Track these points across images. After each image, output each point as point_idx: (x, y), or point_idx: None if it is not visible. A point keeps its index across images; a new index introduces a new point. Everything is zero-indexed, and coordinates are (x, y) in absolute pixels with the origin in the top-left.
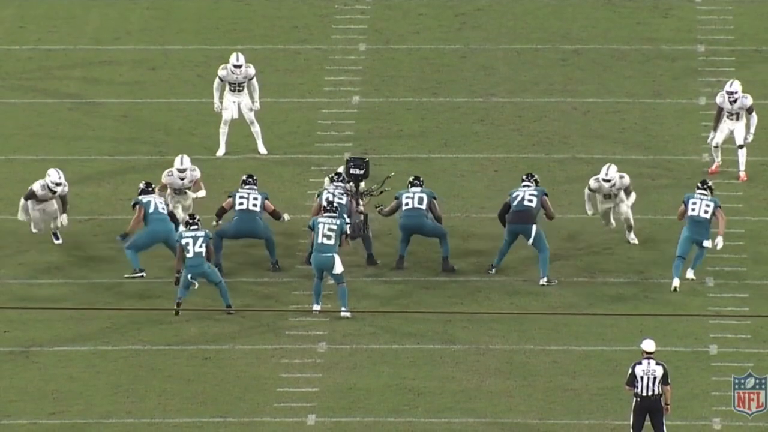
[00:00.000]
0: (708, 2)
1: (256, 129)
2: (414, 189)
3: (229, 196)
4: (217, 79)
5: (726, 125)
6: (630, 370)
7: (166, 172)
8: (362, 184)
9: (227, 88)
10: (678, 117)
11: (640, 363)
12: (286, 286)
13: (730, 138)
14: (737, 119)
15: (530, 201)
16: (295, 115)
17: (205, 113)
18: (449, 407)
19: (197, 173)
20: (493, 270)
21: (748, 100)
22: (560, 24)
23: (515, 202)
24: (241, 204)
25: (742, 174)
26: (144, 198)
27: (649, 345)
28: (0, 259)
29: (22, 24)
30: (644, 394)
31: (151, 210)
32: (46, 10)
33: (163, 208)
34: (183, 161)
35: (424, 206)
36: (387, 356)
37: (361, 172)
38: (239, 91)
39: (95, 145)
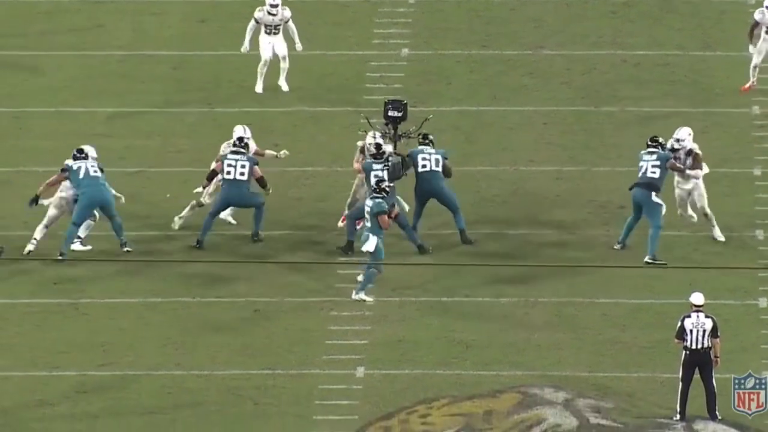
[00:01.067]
0: None
1: (285, 65)
2: (428, 149)
3: (217, 160)
4: (252, 21)
5: (765, 44)
6: (679, 323)
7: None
8: (400, 127)
9: (263, 30)
10: (728, 69)
11: (689, 316)
12: (335, 240)
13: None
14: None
15: (653, 172)
16: (343, 68)
17: (255, 65)
18: (498, 360)
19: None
20: (619, 246)
21: None
22: None
23: (640, 173)
24: (228, 173)
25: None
26: (74, 164)
27: (698, 298)
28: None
29: None
30: (693, 347)
31: (81, 176)
32: None
33: (96, 171)
34: None
35: (440, 168)
36: (436, 309)
37: (400, 114)
38: (275, 33)
39: (145, 98)
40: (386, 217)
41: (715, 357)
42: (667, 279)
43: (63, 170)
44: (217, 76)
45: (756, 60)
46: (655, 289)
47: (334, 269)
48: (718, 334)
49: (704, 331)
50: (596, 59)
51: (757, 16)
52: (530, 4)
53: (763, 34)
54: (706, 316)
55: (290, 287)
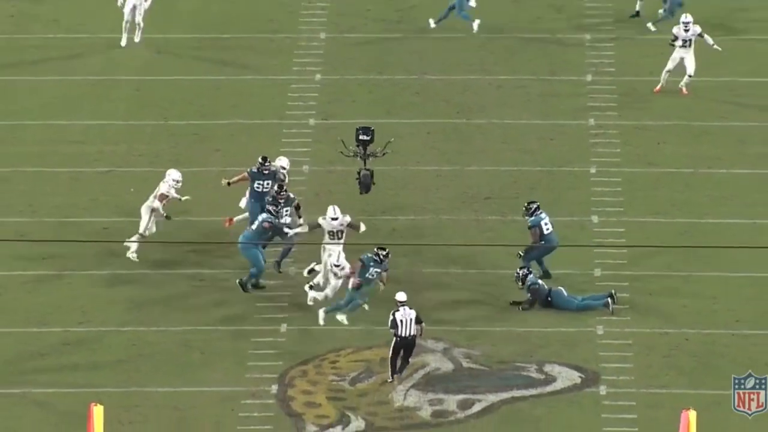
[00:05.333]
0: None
1: (139, 20)
2: (545, 215)
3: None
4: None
5: (678, 53)
6: (391, 317)
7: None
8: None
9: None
10: (569, 90)
11: (397, 310)
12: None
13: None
14: (689, 46)
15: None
16: (270, 90)
17: (200, 87)
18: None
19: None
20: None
21: (698, 28)
22: (475, 17)
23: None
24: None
25: (684, 89)
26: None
27: (401, 296)
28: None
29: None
30: (404, 335)
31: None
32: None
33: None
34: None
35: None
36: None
37: (368, 138)
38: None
39: (113, 113)
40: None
41: (420, 335)
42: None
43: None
44: (171, 96)
45: (669, 66)
46: (516, 263)
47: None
48: (421, 320)
49: (411, 320)
50: (468, 82)
51: (674, 30)
52: (415, 38)
53: (678, 47)
54: (410, 308)
55: (229, 263)
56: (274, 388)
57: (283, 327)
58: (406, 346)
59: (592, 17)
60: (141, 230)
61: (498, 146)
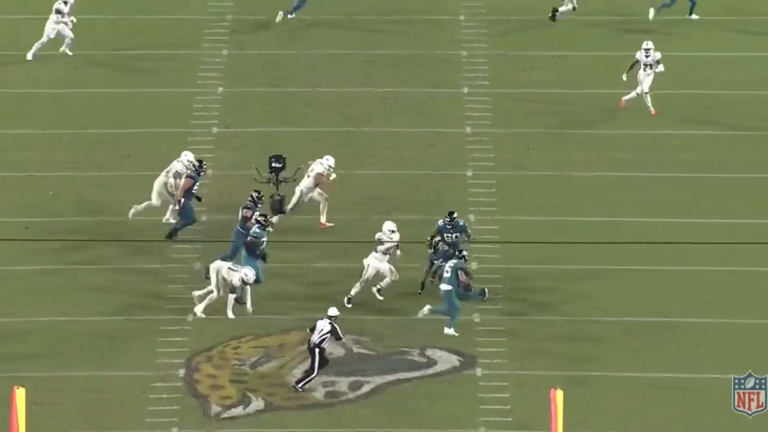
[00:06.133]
0: (467, 19)
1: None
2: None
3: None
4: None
5: (641, 75)
6: (314, 325)
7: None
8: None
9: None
10: (448, 101)
11: (321, 320)
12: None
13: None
14: (650, 69)
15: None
16: (177, 100)
17: (115, 100)
18: (291, 308)
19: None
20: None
21: (658, 54)
22: (362, 36)
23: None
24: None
25: (652, 109)
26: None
27: (332, 311)
28: None
29: None
30: (310, 340)
31: None
32: None
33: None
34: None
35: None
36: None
37: (280, 165)
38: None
39: (34, 123)
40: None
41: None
42: (406, 250)
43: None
44: (87, 107)
45: (642, 88)
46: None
47: (169, 244)
48: (340, 337)
49: (321, 331)
50: (356, 94)
51: (637, 55)
52: (308, 55)
53: (641, 70)
54: (330, 324)
55: (144, 260)
56: (182, 372)
57: (190, 317)
58: (310, 351)
59: (468, 35)
60: (152, 201)
61: (384, 152)
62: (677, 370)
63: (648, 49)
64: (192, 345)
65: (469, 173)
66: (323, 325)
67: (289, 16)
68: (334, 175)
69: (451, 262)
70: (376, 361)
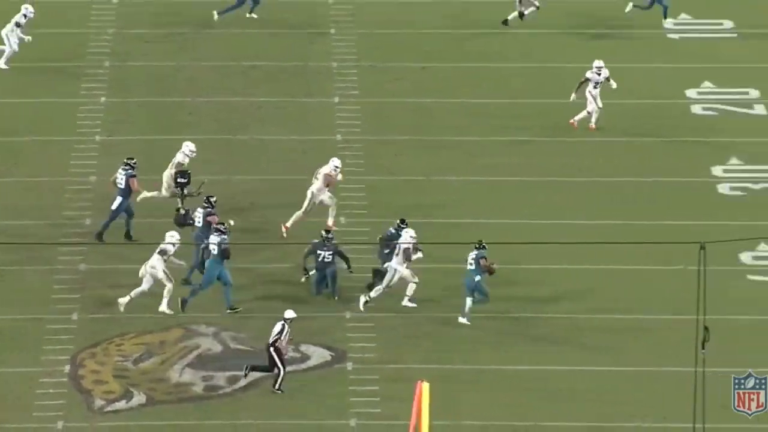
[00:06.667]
0: (337, 32)
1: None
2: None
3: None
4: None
5: (590, 93)
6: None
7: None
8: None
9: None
10: (320, 110)
11: (281, 321)
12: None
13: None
14: (599, 87)
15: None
16: (61, 110)
17: (38, 110)
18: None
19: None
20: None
21: (607, 71)
22: (240, 48)
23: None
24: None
25: (575, 123)
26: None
27: (289, 313)
28: None
29: None
30: (270, 341)
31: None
32: None
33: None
34: None
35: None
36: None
37: (185, 180)
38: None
39: None
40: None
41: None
42: (287, 250)
43: None
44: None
45: (597, 104)
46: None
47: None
48: (285, 338)
49: (275, 332)
50: (233, 104)
51: (588, 74)
52: (189, 67)
53: (591, 88)
54: (283, 326)
55: (32, 261)
56: (67, 368)
57: (75, 315)
58: (267, 352)
59: (338, 48)
60: (162, 192)
61: (260, 158)
62: (539, 362)
63: (600, 68)
64: (77, 342)
65: (339, 176)
66: (276, 327)
67: (219, 17)
68: (340, 176)
69: (473, 253)
70: (252, 357)
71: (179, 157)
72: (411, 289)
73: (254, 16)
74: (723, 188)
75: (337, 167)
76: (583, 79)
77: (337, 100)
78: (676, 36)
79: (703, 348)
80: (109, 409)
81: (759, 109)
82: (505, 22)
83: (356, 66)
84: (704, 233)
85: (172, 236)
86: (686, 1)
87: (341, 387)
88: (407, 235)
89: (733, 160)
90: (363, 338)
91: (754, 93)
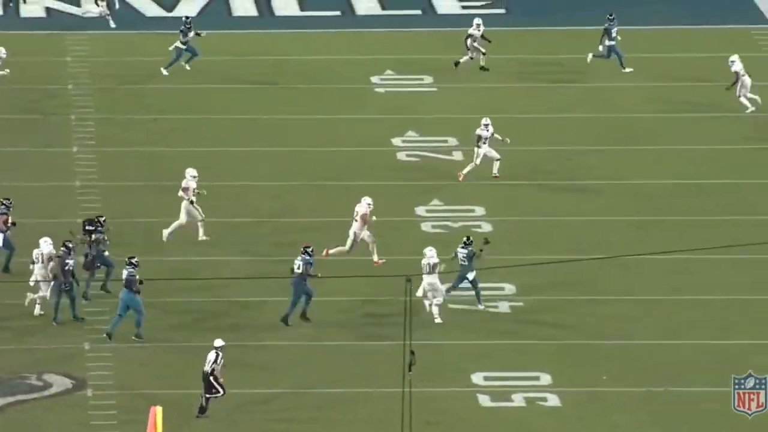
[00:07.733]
0: (75, 88)
1: None
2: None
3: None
4: None
5: (481, 150)
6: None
7: None
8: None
9: None
10: (61, 157)
11: (213, 350)
12: None
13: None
14: (487, 143)
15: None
16: None
17: None
18: None
19: None
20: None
21: (492, 128)
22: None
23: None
24: None
25: (497, 173)
26: None
27: (218, 342)
28: None
29: None
30: (205, 369)
31: None
32: None
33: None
34: None
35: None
36: None
37: (93, 228)
38: None
39: None
40: None
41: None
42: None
43: None
44: None
45: (477, 162)
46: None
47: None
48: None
49: (210, 361)
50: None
51: (478, 131)
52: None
53: (482, 144)
54: (216, 354)
55: None
56: None
57: None
58: (204, 380)
59: (76, 101)
60: (181, 220)
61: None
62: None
63: (486, 125)
64: None
65: (79, 220)
66: (211, 356)
67: (165, 72)
68: (374, 217)
69: (464, 251)
70: None
71: (184, 183)
72: (438, 301)
73: (188, 67)
74: (426, 226)
75: (369, 204)
76: (476, 137)
77: (75, 149)
78: (382, 90)
79: (410, 370)
80: None
81: (457, 156)
82: (456, 63)
83: (93, 118)
84: (411, 267)
85: (45, 241)
86: (392, 60)
87: (82, 412)
88: (429, 254)
89: (435, 201)
90: (101, 367)
91: (452, 141)
